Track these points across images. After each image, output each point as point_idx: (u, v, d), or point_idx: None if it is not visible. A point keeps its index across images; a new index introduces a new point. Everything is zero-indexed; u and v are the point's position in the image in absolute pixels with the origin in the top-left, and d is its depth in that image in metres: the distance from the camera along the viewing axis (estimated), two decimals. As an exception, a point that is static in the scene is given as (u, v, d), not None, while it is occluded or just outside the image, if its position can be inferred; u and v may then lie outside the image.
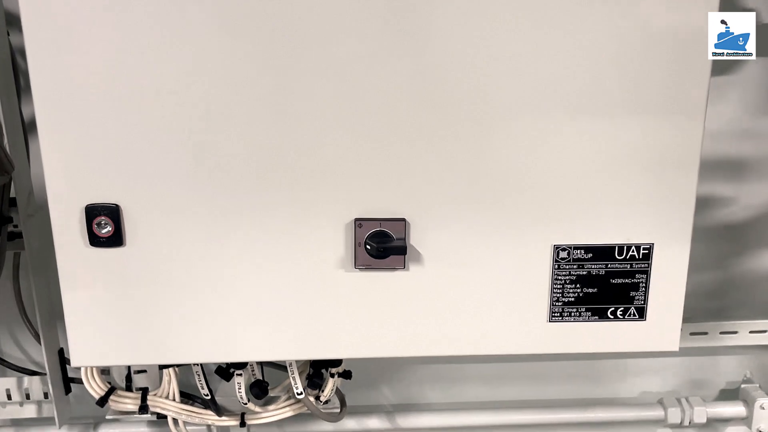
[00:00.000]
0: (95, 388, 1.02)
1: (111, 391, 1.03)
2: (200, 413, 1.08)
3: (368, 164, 0.80)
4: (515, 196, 0.82)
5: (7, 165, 0.88)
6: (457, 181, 0.81)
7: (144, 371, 1.05)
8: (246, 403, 1.06)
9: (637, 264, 0.86)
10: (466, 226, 0.83)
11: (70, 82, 0.76)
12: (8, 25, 0.96)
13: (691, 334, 1.26)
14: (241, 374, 1.02)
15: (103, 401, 1.02)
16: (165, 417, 1.08)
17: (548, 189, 0.82)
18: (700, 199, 0.84)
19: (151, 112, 0.77)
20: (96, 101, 0.76)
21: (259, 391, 1.05)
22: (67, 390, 1.10)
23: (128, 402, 1.04)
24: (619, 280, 0.86)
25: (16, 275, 1.10)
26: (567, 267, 0.85)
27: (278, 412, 1.09)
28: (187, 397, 1.08)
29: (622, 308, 0.88)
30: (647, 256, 0.86)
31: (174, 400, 1.06)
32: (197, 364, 1.01)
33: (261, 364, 1.06)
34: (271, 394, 1.08)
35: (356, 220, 0.82)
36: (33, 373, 1.17)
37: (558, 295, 0.86)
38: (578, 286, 0.86)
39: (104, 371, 1.04)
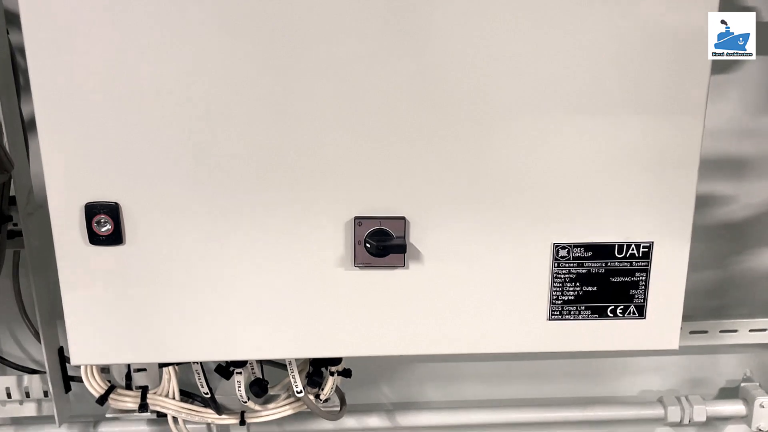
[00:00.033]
0: (95, 386, 1.02)
1: (111, 389, 1.03)
2: (200, 412, 1.08)
3: (368, 164, 0.80)
4: (515, 195, 0.82)
5: (6, 163, 0.88)
6: (457, 180, 0.81)
7: (144, 370, 1.05)
8: (246, 402, 1.06)
9: (636, 262, 0.86)
10: (465, 224, 0.83)
11: (70, 81, 0.76)
12: (8, 24, 0.96)
13: (691, 332, 1.26)
14: (240, 373, 1.02)
15: (102, 400, 1.02)
16: (165, 415, 1.08)
17: (548, 188, 0.82)
18: (699, 198, 0.84)
19: (151, 111, 0.77)
20: (95, 100, 0.76)
21: (259, 389, 1.05)
22: (67, 388, 1.10)
23: (128, 400, 1.04)
24: (619, 279, 0.86)
25: (15, 274, 1.10)
26: (567, 265, 0.85)
27: (278, 410, 1.09)
28: (187, 395, 1.08)
29: (621, 306, 0.88)
30: (647, 255, 0.86)
31: (174, 398, 1.06)
32: (197, 363, 1.01)
33: (261, 362, 1.06)
34: (271, 392, 1.09)
35: (356, 218, 0.82)
36: (33, 371, 1.17)
37: (558, 293, 0.86)
38: (578, 284, 0.86)
39: (104, 370, 1.04)
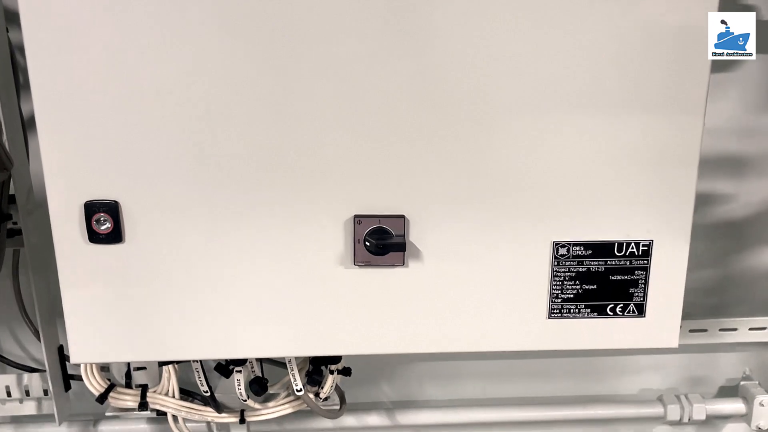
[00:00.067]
0: (95, 385, 1.02)
1: (111, 388, 1.03)
2: (200, 410, 1.08)
3: (368, 164, 0.80)
4: (515, 194, 0.82)
5: (6, 162, 0.88)
6: (457, 178, 0.81)
7: (143, 368, 1.05)
8: (245, 400, 1.06)
9: (636, 261, 0.86)
10: (465, 222, 0.83)
11: (70, 79, 0.76)
12: (7, 22, 0.96)
13: (691, 331, 1.26)
14: (240, 371, 1.02)
15: (102, 398, 1.03)
16: (165, 414, 1.08)
17: (548, 186, 0.82)
18: (699, 196, 0.84)
19: (151, 110, 0.77)
20: (95, 98, 0.76)
21: (259, 387, 1.05)
22: (67, 387, 1.10)
23: (128, 399, 1.04)
24: (619, 277, 0.86)
25: (15, 272, 1.10)
26: (566, 263, 0.85)
27: (278, 408, 1.09)
28: (187, 394, 1.08)
29: (621, 305, 0.88)
30: (647, 253, 0.86)
31: (174, 397, 1.06)
32: (197, 361, 1.01)
33: (260, 360, 1.06)
34: (271, 391, 1.09)
35: (356, 216, 0.82)
36: (33, 370, 1.17)
37: (557, 291, 0.86)
38: (577, 282, 0.86)
39: (104, 368, 1.04)
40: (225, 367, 1.03)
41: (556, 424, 1.33)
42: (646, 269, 0.86)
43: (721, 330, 1.28)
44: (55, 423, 1.11)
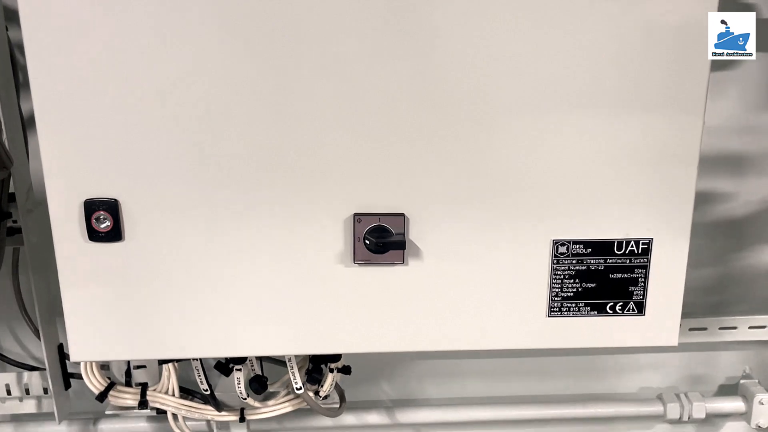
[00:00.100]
0: (95, 383, 1.02)
1: (110, 386, 1.03)
2: (200, 408, 1.08)
3: (368, 163, 0.80)
4: (515, 192, 0.82)
5: (6, 160, 0.88)
6: (457, 177, 0.81)
7: (143, 366, 1.05)
8: (245, 399, 1.06)
9: (636, 259, 0.86)
10: (465, 221, 0.83)
11: (69, 78, 0.76)
12: (7, 20, 0.96)
13: (690, 329, 1.26)
14: (240, 369, 1.02)
15: (102, 396, 1.03)
16: (164, 412, 1.09)
17: (548, 185, 0.82)
18: (699, 195, 0.84)
19: (151, 109, 0.77)
20: (95, 97, 0.76)
21: (259, 386, 1.05)
22: (67, 385, 1.10)
23: (128, 397, 1.05)
24: (618, 275, 0.86)
25: (15, 271, 1.10)
26: (566, 262, 0.85)
27: (277, 407, 1.09)
28: (187, 392, 1.09)
29: (621, 303, 0.88)
30: (646, 251, 0.86)
31: (173, 395, 1.06)
32: (197, 360, 1.01)
33: (260, 359, 1.06)
34: (271, 389, 1.09)
35: (355, 215, 0.82)
36: (32, 368, 1.17)
37: (557, 290, 0.86)
38: (577, 281, 0.86)
39: (104, 366, 1.04)
40: (225, 366, 1.03)
41: (556, 423, 1.33)
42: (645, 268, 0.86)
43: (720, 328, 1.28)
44: (55, 421, 1.11)
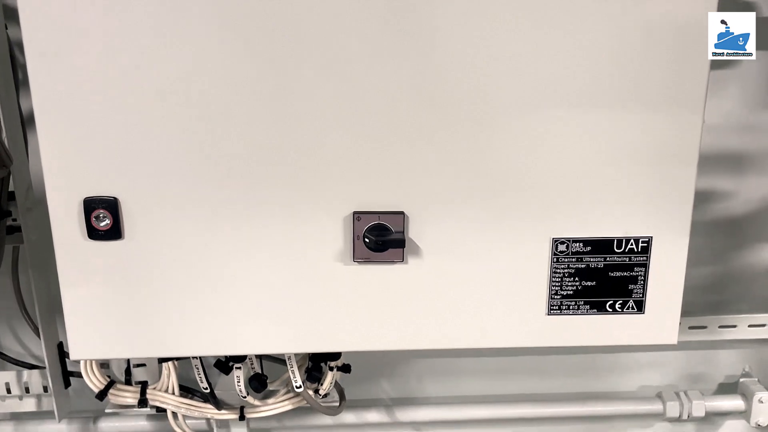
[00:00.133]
0: (94, 381, 1.02)
1: (110, 384, 1.03)
2: (199, 407, 1.08)
3: (368, 163, 0.80)
4: (514, 191, 0.82)
5: (5, 159, 0.88)
6: (456, 177, 0.81)
7: (143, 365, 1.05)
8: (245, 397, 1.06)
9: (635, 257, 0.86)
10: (465, 219, 0.83)
11: (69, 76, 0.76)
12: (6, 19, 0.96)
13: (690, 327, 1.26)
14: (240, 368, 1.02)
15: (102, 395, 1.03)
16: (164, 410, 1.09)
17: (548, 184, 0.82)
18: (699, 193, 0.84)
19: (150, 108, 0.77)
20: (94, 96, 0.76)
21: (258, 384, 1.05)
22: (67, 384, 1.10)
23: (128, 396, 1.05)
24: (618, 274, 0.87)
25: (15, 269, 1.10)
26: (566, 260, 0.85)
27: (277, 405, 1.09)
28: (187, 390, 1.09)
29: (620, 301, 0.88)
30: (646, 250, 0.86)
31: (173, 393, 1.06)
32: (196, 358, 1.01)
33: (260, 357, 1.06)
34: (270, 387, 1.09)
35: (355, 213, 0.82)
36: (32, 366, 1.17)
37: (557, 288, 0.86)
38: (577, 279, 0.86)
39: (103, 365, 1.04)
40: (224, 364, 1.03)
41: (556, 421, 1.33)
42: (645, 266, 0.86)
43: (720, 327, 1.28)
44: (54, 420, 1.11)
